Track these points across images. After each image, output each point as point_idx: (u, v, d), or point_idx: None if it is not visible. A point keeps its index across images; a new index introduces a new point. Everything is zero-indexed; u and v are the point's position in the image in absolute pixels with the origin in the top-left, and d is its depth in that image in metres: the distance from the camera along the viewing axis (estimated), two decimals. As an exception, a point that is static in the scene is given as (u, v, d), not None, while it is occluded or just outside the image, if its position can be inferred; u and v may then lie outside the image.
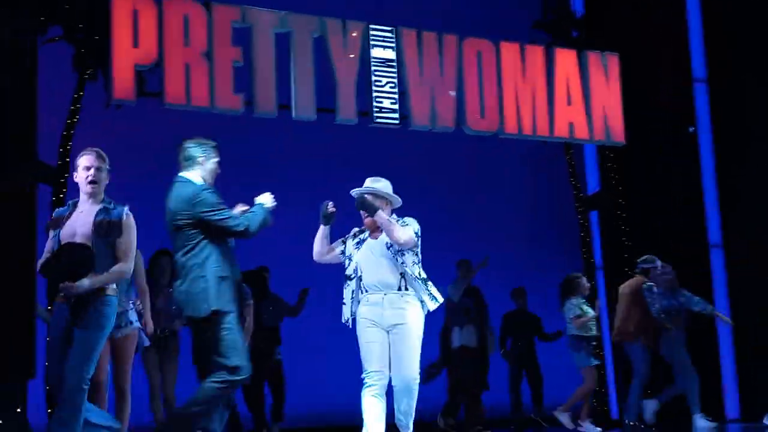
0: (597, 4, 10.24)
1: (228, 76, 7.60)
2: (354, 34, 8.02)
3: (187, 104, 7.51)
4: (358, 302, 5.30)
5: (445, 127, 8.38)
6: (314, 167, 9.51)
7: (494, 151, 10.00)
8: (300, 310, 8.41)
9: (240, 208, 5.10)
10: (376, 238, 5.35)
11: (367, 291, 5.27)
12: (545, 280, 9.24)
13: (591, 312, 8.51)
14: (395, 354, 5.16)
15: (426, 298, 5.26)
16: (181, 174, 5.04)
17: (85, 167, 4.76)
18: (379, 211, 5.26)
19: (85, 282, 4.59)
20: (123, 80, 7.24)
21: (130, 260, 4.79)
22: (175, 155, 8.90)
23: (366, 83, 8.05)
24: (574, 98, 8.93)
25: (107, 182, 4.82)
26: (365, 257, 5.32)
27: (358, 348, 5.26)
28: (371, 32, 8.14)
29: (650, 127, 9.82)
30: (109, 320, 4.72)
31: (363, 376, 5.19)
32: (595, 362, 8.65)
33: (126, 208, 4.79)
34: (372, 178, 5.46)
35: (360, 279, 5.29)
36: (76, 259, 4.62)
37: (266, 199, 5.13)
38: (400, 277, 5.24)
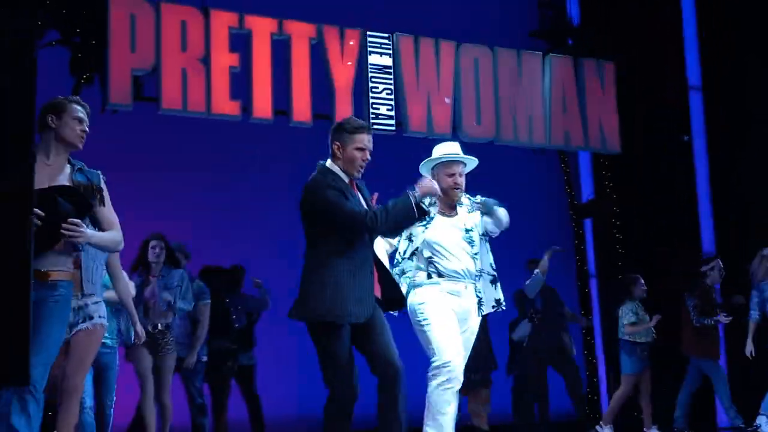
0: (593, 13, 10.27)
1: (225, 82, 7.60)
2: (351, 43, 8.04)
3: (183, 110, 7.50)
4: (415, 285, 4.84)
5: (442, 133, 8.39)
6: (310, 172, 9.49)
7: (489, 158, 9.98)
8: (267, 301, 8.02)
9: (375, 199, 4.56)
10: (450, 217, 4.95)
11: (443, 277, 4.84)
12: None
13: (647, 318, 8.30)
14: (465, 349, 4.82)
15: (485, 296, 4.89)
16: (320, 162, 4.53)
17: (78, 119, 4.09)
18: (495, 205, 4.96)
19: (90, 232, 3.94)
20: (119, 85, 7.23)
21: (120, 232, 4.13)
22: (169, 160, 8.94)
23: (363, 90, 8.07)
24: (569, 106, 8.96)
25: None
26: (444, 239, 4.86)
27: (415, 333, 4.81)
28: (368, 39, 8.16)
29: (645, 136, 9.86)
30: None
31: (439, 364, 4.69)
32: (643, 368, 8.37)
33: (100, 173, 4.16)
34: (443, 144, 5.13)
35: (432, 263, 4.84)
36: (79, 202, 3.89)
37: (425, 188, 4.39)
38: (477, 266, 4.87)
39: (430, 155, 5.22)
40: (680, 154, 10.12)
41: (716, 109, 10.07)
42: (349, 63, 8.01)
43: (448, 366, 4.67)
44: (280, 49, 7.85)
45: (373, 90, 8.11)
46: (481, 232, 4.97)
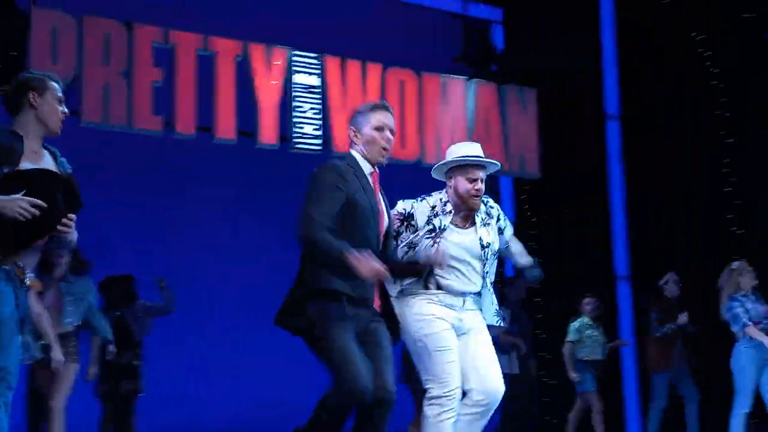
0: (516, 40, 10.46)
1: (147, 97, 7.52)
2: (278, 62, 8.03)
3: (104, 123, 7.40)
4: (410, 294, 4.26)
5: (367, 154, 8.41)
6: (234, 189, 9.41)
7: (413, 180, 10.05)
8: (171, 305, 7.38)
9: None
10: (465, 229, 4.36)
11: (441, 290, 4.25)
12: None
13: (598, 336, 8.36)
14: (479, 360, 4.24)
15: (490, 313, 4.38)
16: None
17: (60, 99, 3.60)
18: None
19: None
20: (39, 97, 7.09)
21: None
22: (92, 175, 8.77)
23: (288, 108, 8.07)
24: (492, 131, 9.11)
25: None
26: (458, 256, 4.27)
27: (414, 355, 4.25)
28: (294, 58, 8.17)
29: (563, 162, 10.05)
30: None
31: (440, 394, 4.11)
32: (595, 387, 8.38)
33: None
34: (462, 144, 4.59)
35: (433, 276, 4.24)
36: (73, 196, 3.48)
37: (437, 258, 4.07)
38: (481, 281, 4.35)
39: None
40: (597, 180, 10.33)
41: (633, 137, 10.30)
42: (274, 82, 8.00)
43: (452, 395, 4.11)
44: (205, 65, 7.80)
45: (298, 109, 8.11)
46: (496, 248, 4.42)
